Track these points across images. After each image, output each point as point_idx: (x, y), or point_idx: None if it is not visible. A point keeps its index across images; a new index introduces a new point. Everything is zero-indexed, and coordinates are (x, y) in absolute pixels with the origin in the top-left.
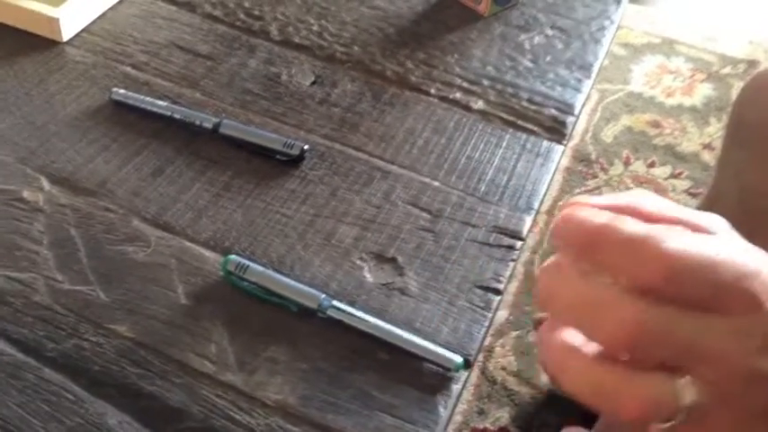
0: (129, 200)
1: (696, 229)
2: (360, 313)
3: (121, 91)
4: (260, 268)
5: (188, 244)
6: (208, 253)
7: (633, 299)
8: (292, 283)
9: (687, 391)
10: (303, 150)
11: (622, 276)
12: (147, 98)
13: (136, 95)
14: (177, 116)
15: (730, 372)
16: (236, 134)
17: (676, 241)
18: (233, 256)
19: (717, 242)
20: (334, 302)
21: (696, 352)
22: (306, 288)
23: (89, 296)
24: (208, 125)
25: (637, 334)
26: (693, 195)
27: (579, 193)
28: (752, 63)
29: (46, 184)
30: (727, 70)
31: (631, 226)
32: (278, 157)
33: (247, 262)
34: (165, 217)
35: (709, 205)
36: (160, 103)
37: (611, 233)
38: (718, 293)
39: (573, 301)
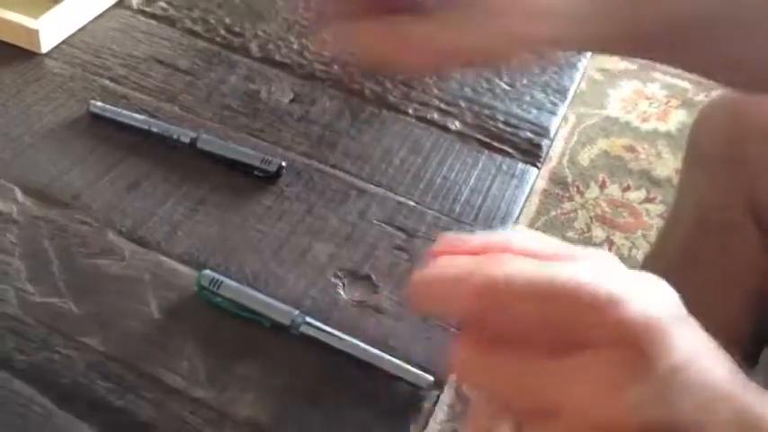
0: (104, 213)
1: (566, 258)
2: (333, 331)
3: (99, 103)
4: (234, 284)
5: (162, 258)
6: (182, 268)
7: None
8: (266, 298)
9: None
10: (281, 167)
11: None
12: (125, 111)
13: (113, 108)
14: (155, 130)
15: (588, 422)
16: (214, 149)
17: (495, 269)
18: (207, 271)
19: (562, 266)
20: (308, 319)
21: (549, 400)
22: (279, 304)
23: (61, 308)
24: (185, 140)
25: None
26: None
27: (555, 216)
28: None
29: (20, 195)
30: (701, 97)
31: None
32: (255, 173)
33: (221, 277)
34: (140, 231)
35: (670, 224)
36: (138, 116)
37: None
38: (566, 320)
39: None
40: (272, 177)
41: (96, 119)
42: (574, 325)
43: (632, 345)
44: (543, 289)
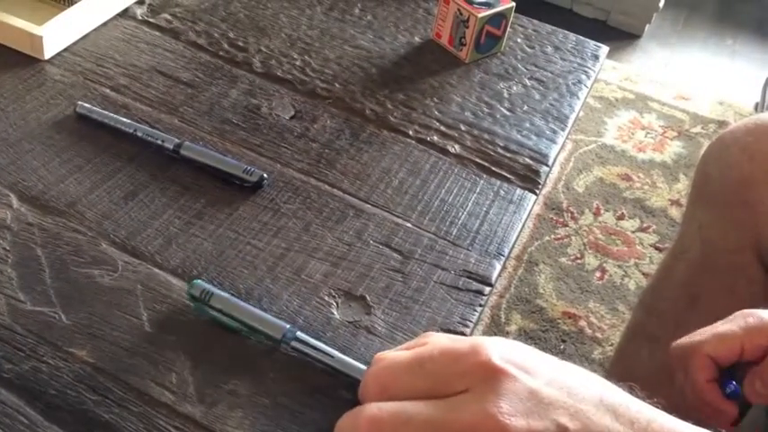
0: (99, 222)
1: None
2: (324, 347)
3: (86, 105)
4: (225, 294)
5: (155, 270)
6: (175, 281)
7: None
8: (257, 311)
9: None
10: (262, 177)
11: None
12: (111, 114)
13: (99, 110)
14: (140, 134)
15: None
16: (195, 156)
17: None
18: (199, 281)
19: (424, 347)
20: (299, 334)
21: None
22: (271, 318)
23: (51, 318)
24: (169, 145)
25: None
26: (659, 250)
27: (548, 241)
28: (722, 123)
29: (15, 201)
30: (697, 129)
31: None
32: (235, 181)
33: (213, 288)
34: (134, 242)
35: (673, 260)
36: (124, 119)
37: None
38: (443, 379)
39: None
40: (253, 188)
41: (83, 119)
42: (448, 379)
43: (494, 379)
44: (416, 358)
